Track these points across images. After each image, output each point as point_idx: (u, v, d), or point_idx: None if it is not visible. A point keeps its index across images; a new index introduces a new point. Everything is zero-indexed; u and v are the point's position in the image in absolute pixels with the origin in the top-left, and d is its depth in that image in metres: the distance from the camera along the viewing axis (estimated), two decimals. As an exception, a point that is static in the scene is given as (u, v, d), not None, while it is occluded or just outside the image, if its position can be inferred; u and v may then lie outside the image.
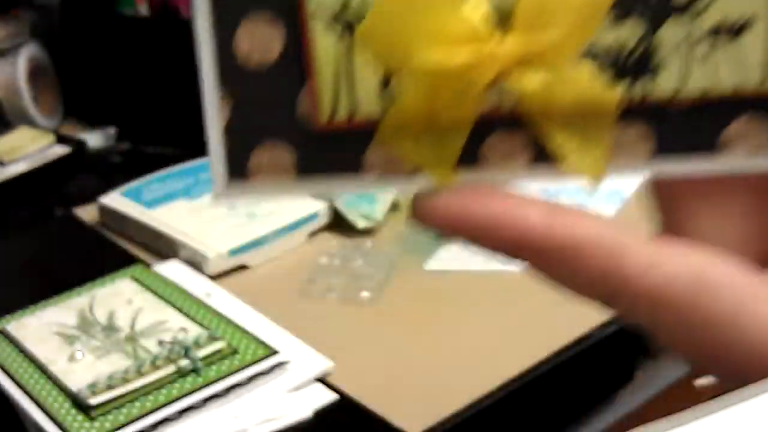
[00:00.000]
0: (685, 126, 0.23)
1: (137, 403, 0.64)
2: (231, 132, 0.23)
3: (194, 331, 0.70)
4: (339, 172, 0.24)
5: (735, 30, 0.22)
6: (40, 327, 0.72)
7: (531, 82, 0.22)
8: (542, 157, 0.23)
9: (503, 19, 0.22)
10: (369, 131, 0.23)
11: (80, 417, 0.63)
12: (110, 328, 0.72)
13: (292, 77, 0.23)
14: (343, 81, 0.23)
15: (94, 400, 0.63)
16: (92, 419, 0.63)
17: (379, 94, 0.23)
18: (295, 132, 0.23)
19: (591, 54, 0.22)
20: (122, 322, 0.72)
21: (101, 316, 0.73)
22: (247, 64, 0.23)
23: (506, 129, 0.23)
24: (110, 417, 0.63)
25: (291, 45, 0.23)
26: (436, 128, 0.23)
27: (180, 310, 0.73)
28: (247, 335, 0.71)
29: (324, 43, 0.23)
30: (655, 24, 0.22)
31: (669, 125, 0.23)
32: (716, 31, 0.22)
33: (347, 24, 0.23)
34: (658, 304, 0.21)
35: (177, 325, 0.71)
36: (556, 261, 0.22)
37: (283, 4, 0.22)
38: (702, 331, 0.21)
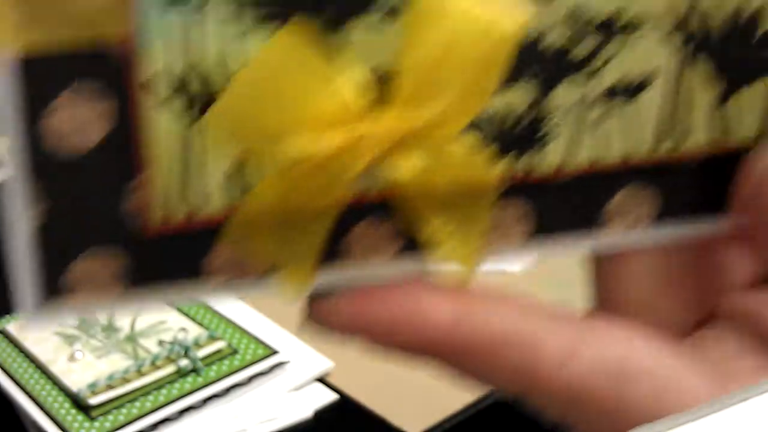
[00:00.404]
0: (568, 201, 0.21)
1: (137, 403, 0.64)
2: (44, 239, 0.18)
3: (194, 331, 0.70)
4: (179, 279, 0.20)
5: (632, 90, 0.21)
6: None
7: (409, 166, 0.19)
8: (412, 245, 0.21)
9: (382, 91, 0.19)
10: (213, 230, 0.19)
11: (80, 417, 0.63)
12: (110, 328, 0.71)
13: (120, 167, 0.18)
14: (182, 171, 0.19)
15: (94, 400, 0.63)
16: (92, 419, 0.63)
17: (226, 187, 0.19)
18: (123, 236, 0.19)
19: (474, 125, 0.20)
20: (122, 322, 0.72)
21: (101, 316, 0.73)
22: (62, 150, 0.18)
23: (374, 217, 0.20)
24: (110, 417, 0.63)
25: (118, 126, 0.18)
26: (294, 222, 0.19)
27: (180, 310, 0.73)
28: (247, 335, 0.70)
29: (160, 124, 0.18)
30: (548, 86, 0.20)
31: (551, 201, 0.21)
32: (613, 92, 0.21)
33: (191, 99, 0.18)
34: (577, 398, 0.20)
35: (177, 325, 0.71)
36: (466, 360, 0.21)
37: (107, 72, 0.18)
38: (624, 421, 0.20)
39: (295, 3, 0.19)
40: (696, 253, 0.23)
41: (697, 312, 0.23)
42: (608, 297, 0.23)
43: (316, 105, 0.19)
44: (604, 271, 0.23)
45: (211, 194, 0.19)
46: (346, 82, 0.19)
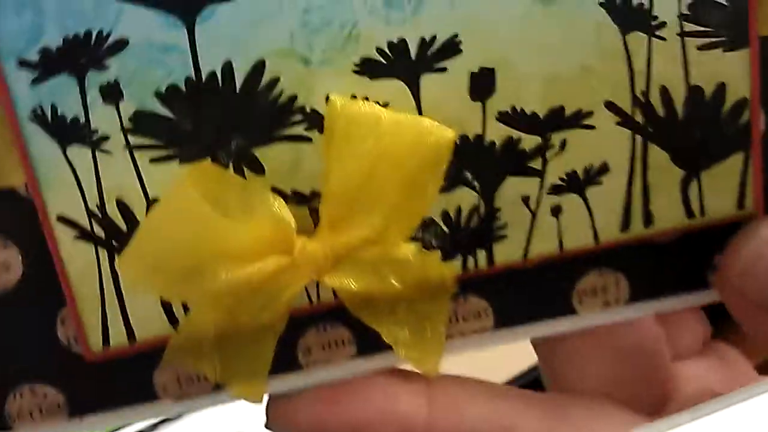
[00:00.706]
0: (532, 291, 0.20)
1: (138, 405, 0.63)
2: None
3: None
4: (126, 402, 0.19)
5: (586, 179, 0.19)
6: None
7: (350, 280, 0.18)
8: (368, 346, 0.20)
9: (310, 213, 0.18)
10: (156, 352, 0.19)
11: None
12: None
13: (45, 301, 0.19)
14: (112, 300, 0.19)
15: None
16: (93, 422, 0.62)
17: (161, 311, 0.19)
18: (58, 368, 0.19)
19: (422, 226, 0.19)
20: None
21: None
22: None
23: (325, 323, 0.20)
24: (111, 420, 0.62)
25: (35, 263, 0.18)
26: (239, 339, 0.19)
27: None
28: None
29: (77, 258, 0.18)
30: (495, 181, 0.19)
31: (512, 293, 0.20)
32: (566, 182, 0.19)
33: (105, 234, 0.18)
34: None
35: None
36: None
37: (16, 215, 0.18)
38: None
39: (196, 138, 0.18)
40: (644, 330, 0.22)
41: (657, 388, 0.22)
42: (563, 388, 0.22)
43: (237, 236, 0.18)
44: (554, 364, 0.22)
45: (146, 319, 0.19)
46: (266, 210, 0.18)
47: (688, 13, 0.18)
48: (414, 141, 0.18)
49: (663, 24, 0.18)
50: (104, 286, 0.18)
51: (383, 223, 0.18)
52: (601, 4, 0.18)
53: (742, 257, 0.19)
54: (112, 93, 0.17)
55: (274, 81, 0.18)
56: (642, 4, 0.18)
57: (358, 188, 0.18)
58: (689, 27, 0.18)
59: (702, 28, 0.18)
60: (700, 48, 0.19)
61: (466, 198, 0.19)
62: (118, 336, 0.19)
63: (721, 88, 0.19)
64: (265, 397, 0.20)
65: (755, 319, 0.20)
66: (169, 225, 0.18)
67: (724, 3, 0.18)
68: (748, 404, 0.15)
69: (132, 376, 0.19)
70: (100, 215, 0.18)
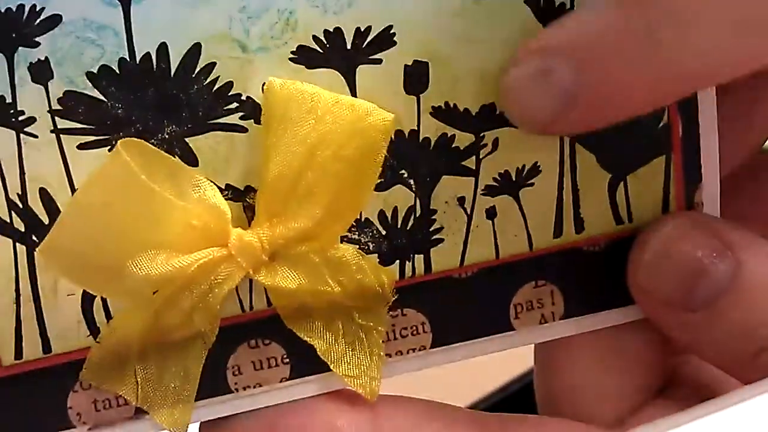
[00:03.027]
0: (467, 303, 0.20)
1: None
2: None
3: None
4: (37, 423, 0.18)
5: (521, 180, 0.19)
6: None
7: (286, 280, 0.18)
8: (303, 368, 0.19)
9: (246, 206, 0.18)
10: (72, 369, 0.18)
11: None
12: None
13: None
14: (28, 305, 0.18)
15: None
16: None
17: (81, 319, 0.18)
18: None
19: (358, 228, 0.19)
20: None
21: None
22: None
23: (257, 338, 0.19)
24: None
25: None
26: (165, 351, 0.18)
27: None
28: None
29: None
30: (431, 181, 0.19)
31: (451, 304, 0.20)
32: (502, 182, 0.19)
33: (30, 221, 0.17)
34: None
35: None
36: None
37: None
38: None
39: (128, 123, 0.17)
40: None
41: (656, 376, 0.21)
42: (553, 384, 0.22)
43: (169, 223, 0.17)
44: (545, 359, 0.22)
45: (68, 327, 0.18)
46: (200, 196, 0.17)
47: None
48: (354, 122, 0.17)
49: None
50: (20, 289, 0.17)
51: (323, 214, 0.18)
52: (526, 2, 0.18)
53: (647, 256, 0.19)
54: (41, 71, 0.17)
55: (210, 66, 0.17)
56: None
57: (298, 175, 0.17)
58: None
59: None
60: None
61: (402, 197, 0.19)
62: (32, 347, 0.18)
63: None
64: (195, 426, 0.19)
65: (665, 317, 0.19)
66: (97, 207, 0.17)
67: None
68: (748, 404, 0.15)
69: (45, 401, 0.18)
70: (20, 205, 0.17)
